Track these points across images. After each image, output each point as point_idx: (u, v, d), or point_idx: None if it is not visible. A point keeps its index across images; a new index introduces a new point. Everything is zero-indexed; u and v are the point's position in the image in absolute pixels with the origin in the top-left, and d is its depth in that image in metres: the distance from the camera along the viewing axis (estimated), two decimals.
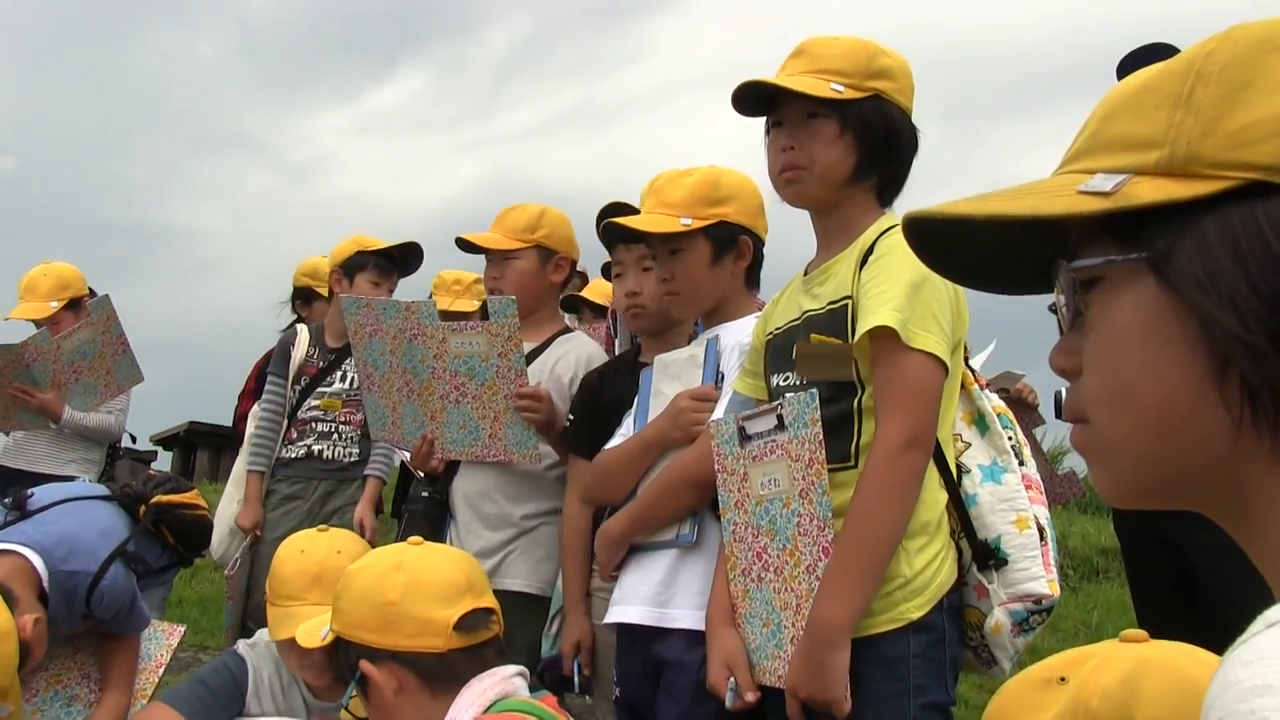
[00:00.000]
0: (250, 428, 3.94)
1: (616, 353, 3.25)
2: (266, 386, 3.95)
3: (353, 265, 3.84)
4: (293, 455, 3.85)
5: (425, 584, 1.75)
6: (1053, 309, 0.74)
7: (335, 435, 3.84)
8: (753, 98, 2.03)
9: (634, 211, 2.52)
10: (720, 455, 2.03)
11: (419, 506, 3.06)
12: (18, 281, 4.28)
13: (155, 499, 2.75)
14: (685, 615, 2.10)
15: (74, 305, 4.23)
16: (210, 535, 3.09)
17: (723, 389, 2.23)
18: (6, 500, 2.61)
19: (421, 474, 3.11)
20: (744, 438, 1.97)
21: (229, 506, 3.85)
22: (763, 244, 2.39)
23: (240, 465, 3.93)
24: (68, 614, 2.49)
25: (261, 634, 2.50)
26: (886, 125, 1.97)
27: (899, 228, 1.94)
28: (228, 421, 4.97)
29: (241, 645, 2.48)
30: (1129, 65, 2.99)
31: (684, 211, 2.27)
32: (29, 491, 2.65)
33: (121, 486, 2.79)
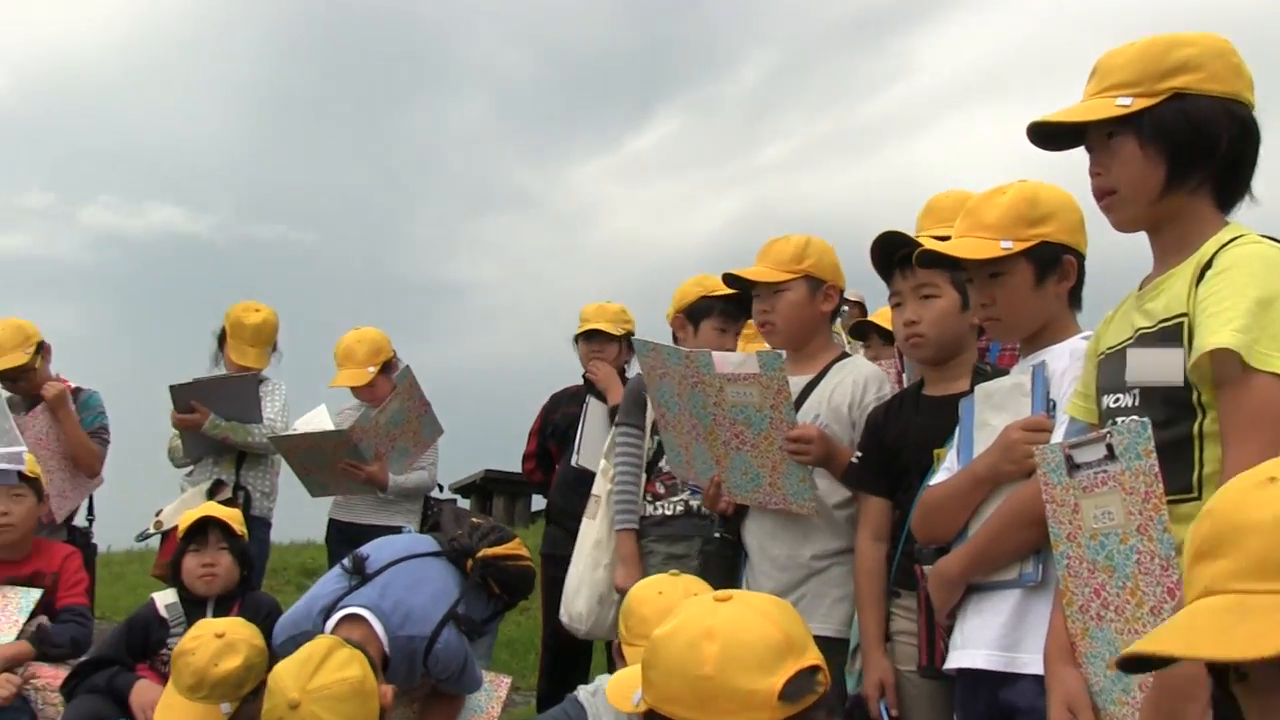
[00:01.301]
0: (603, 484, 3.65)
1: (905, 384, 3.17)
2: (620, 438, 3.60)
3: (698, 311, 3.63)
4: (667, 512, 3.49)
5: (741, 651, 1.57)
6: None
7: None
8: (1049, 134, 1.94)
9: (908, 240, 2.46)
10: (1048, 485, 1.88)
11: (713, 548, 3.08)
12: (334, 349, 4.64)
13: (482, 552, 2.91)
14: (1037, 660, 1.97)
15: (386, 368, 4.55)
16: (533, 583, 3.20)
17: (1055, 417, 2.11)
18: (346, 564, 2.83)
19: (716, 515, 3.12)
20: (1072, 466, 1.83)
21: (594, 571, 3.52)
22: (1084, 260, 2.26)
23: (598, 526, 3.59)
24: (407, 676, 2.66)
25: (602, 680, 2.53)
26: (1190, 124, 1.79)
27: (1244, 239, 1.79)
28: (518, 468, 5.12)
29: (582, 692, 2.51)
30: None
31: (1003, 233, 2.16)
32: (364, 553, 2.85)
33: (450, 540, 2.96)
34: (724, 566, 2.96)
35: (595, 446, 4.09)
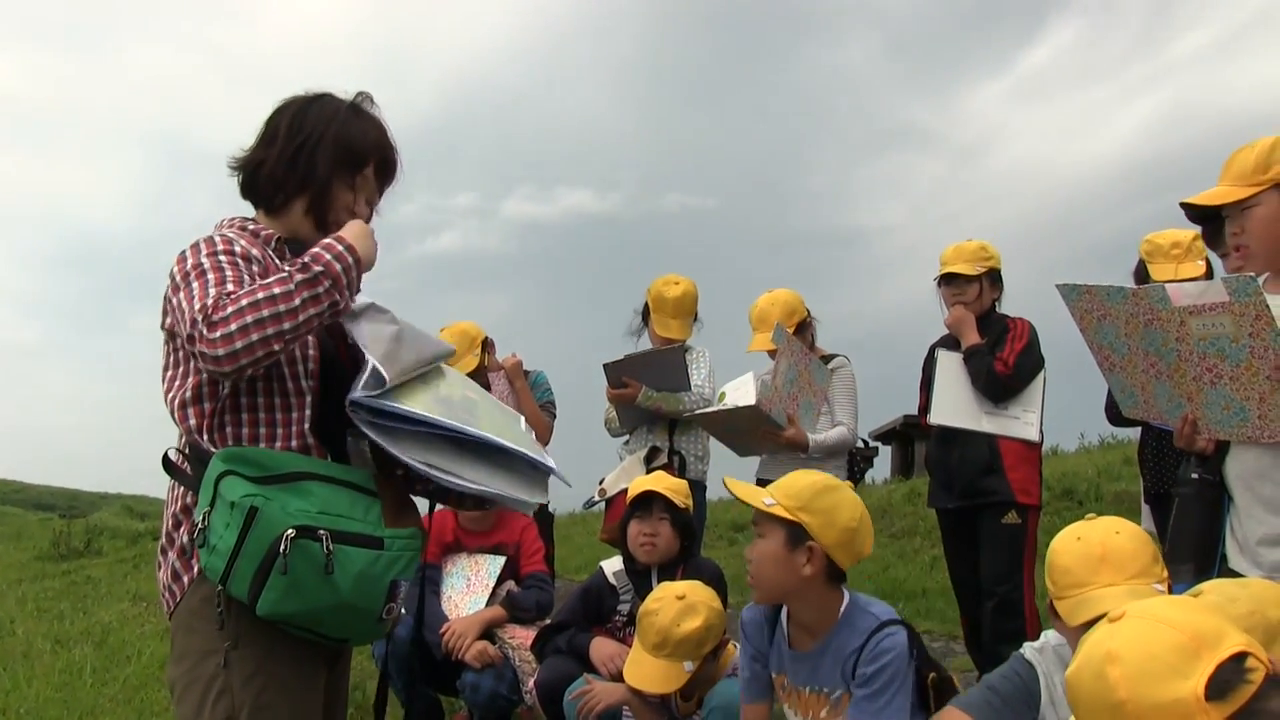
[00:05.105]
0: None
1: None
2: None
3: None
4: None
5: (1145, 665, 1.50)
6: None
7: None
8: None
9: None
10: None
11: (1191, 489, 2.77)
12: (749, 312, 4.64)
13: None
14: None
15: (801, 329, 4.47)
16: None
17: None
18: None
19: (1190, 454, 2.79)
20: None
21: None
22: None
23: None
24: None
25: (1048, 637, 2.37)
26: None
27: None
28: None
29: (1028, 650, 2.38)
30: None
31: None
32: None
33: None
34: (1203, 508, 2.70)
35: (956, 402, 4.03)
